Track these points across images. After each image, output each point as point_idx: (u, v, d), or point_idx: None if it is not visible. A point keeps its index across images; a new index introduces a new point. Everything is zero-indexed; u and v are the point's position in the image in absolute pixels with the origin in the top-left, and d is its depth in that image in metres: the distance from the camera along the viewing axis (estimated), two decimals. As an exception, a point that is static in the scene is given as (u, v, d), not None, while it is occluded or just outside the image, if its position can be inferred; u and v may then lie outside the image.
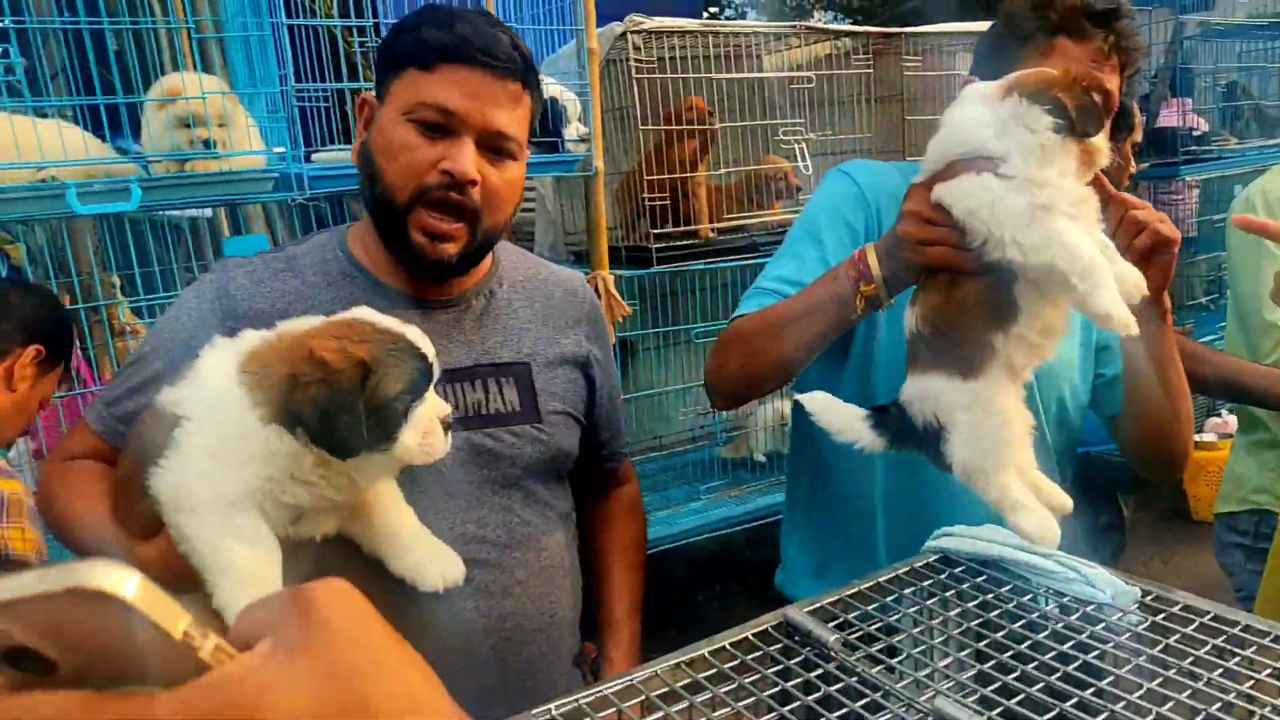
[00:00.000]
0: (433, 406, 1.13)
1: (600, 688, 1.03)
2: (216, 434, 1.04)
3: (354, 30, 2.70)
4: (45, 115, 2.36)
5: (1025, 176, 1.15)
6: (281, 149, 2.44)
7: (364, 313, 1.14)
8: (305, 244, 1.44)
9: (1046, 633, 1.02)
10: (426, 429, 1.12)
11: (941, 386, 1.23)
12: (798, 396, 1.40)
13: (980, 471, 1.22)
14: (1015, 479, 1.22)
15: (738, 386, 1.60)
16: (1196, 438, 4.40)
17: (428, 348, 1.14)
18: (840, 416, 1.34)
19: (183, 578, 1.07)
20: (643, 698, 1.01)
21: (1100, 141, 1.21)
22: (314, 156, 2.61)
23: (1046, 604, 1.09)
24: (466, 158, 1.28)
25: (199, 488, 1.04)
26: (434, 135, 1.28)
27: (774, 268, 1.64)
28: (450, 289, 1.42)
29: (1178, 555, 4.39)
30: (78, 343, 3.50)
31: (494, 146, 1.31)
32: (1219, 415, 4.33)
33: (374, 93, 1.36)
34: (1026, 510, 1.19)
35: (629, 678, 1.04)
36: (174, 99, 2.29)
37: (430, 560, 1.20)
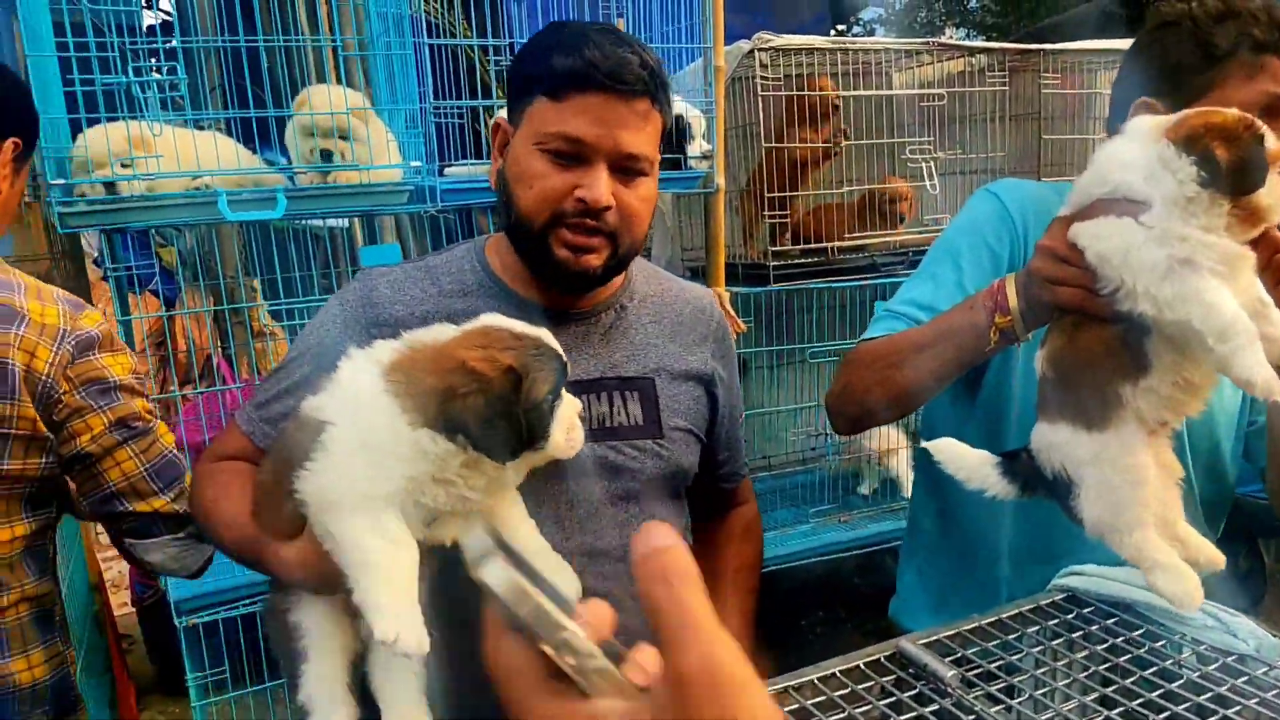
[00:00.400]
0: (570, 403, 1.18)
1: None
2: (362, 438, 1.08)
3: (489, 50, 2.78)
4: (202, 127, 2.53)
5: (1164, 229, 1.07)
6: (418, 163, 2.54)
7: (494, 319, 1.17)
8: (443, 255, 1.49)
9: (1181, 682, 0.97)
10: (569, 425, 1.16)
11: (1067, 437, 1.17)
12: (924, 444, 1.35)
13: (1112, 529, 1.15)
14: (1153, 536, 1.14)
15: (860, 411, 1.57)
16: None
17: (559, 348, 1.17)
18: (968, 463, 1.29)
19: (321, 578, 1.12)
20: None
21: (1267, 198, 1.09)
22: (446, 170, 2.71)
23: (1182, 652, 1.03)
24: (600, 185, 1.29)
25: (346, 487, 1.07)
26: (566, 163, 1.30)
27: (907, 290, 1.59)
28: (583, 301, 1.45)
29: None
30: (218, 341, 3.72)
31: (625, 168, 1.33)
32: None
33: (506, 115, 1.40)
34: (1165, 570, 1.12)
35: (736, 697, 1.04)
36: (311, 114, 2.42)
37: (550, 575, 1.20)
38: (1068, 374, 1.19)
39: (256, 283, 3.67)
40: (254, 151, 2.61)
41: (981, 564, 1.59)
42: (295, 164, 2.54)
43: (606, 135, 1.29)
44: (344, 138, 2.42)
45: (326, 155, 2.44)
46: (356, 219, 3.87)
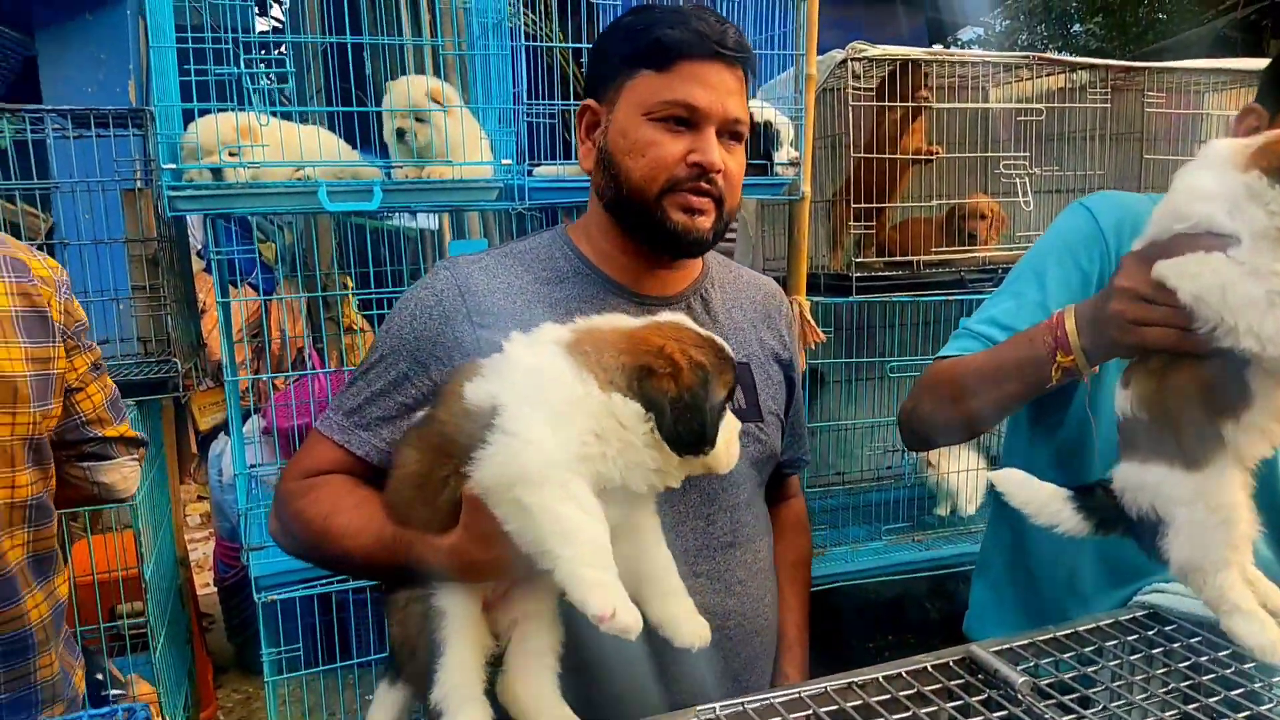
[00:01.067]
0: (731, 420, 1.16)
1: (767, 695, 1.03)
2: (547, 408, 1.06)
3: (581, 54, 2.83)
4: (308, 123, 2.63)
5: (1255, 263, 1.04)
6: (508, 161, 2.60)
7: (677, 318, 1.18)
8: (527, 242, 1.50)
9: (1267, 705, 0.92)
10: (730, 439, 1.15)
11: (1161, 477, 1.12)
12: (990, 475, 1.30)
13: (1198, 570, 1.10)
14: (1237, 579, 1.09)
15: (928, 432, 1.56)
16: None
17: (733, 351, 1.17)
18: (1038, 496, 1.24)
19: (474, 568, 1.13)
20: (809, 712, 0.99)
21: None
22: (535, 170, 2.76)
23: (1275, 676, 0.99)
24: (713, 148, 1.33)
25: (535, 457, 1.04)
26: (679, 130, 1.34)
27: (990, 305, 1.56)
28: (670, 286, 1.46)
29: None
30: (309, 332, 3.86)
31: (732, 133, 1.37)
32: None
33: (593, 99, 1.42)
34: (1246, 616, 1.07)
35: (797, 689, 1.03)
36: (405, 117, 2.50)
37: (688, 618, 1.18)
38: (1163, 415, 1.13)
39: (349, 280, 3.80)
40: (355, 149, 2.71)
41: (1056, 586, 1.54)
42: (393, 159, 2.62)
43: (717, 101, 1.33)
44: (420, 120, 2.49)
45: (400, 134, 2.50)
46: (446, 219, 3.97)
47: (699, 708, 1.02)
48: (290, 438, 3.11)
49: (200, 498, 5.79)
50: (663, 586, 1.18)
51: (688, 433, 1.08)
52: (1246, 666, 1.00)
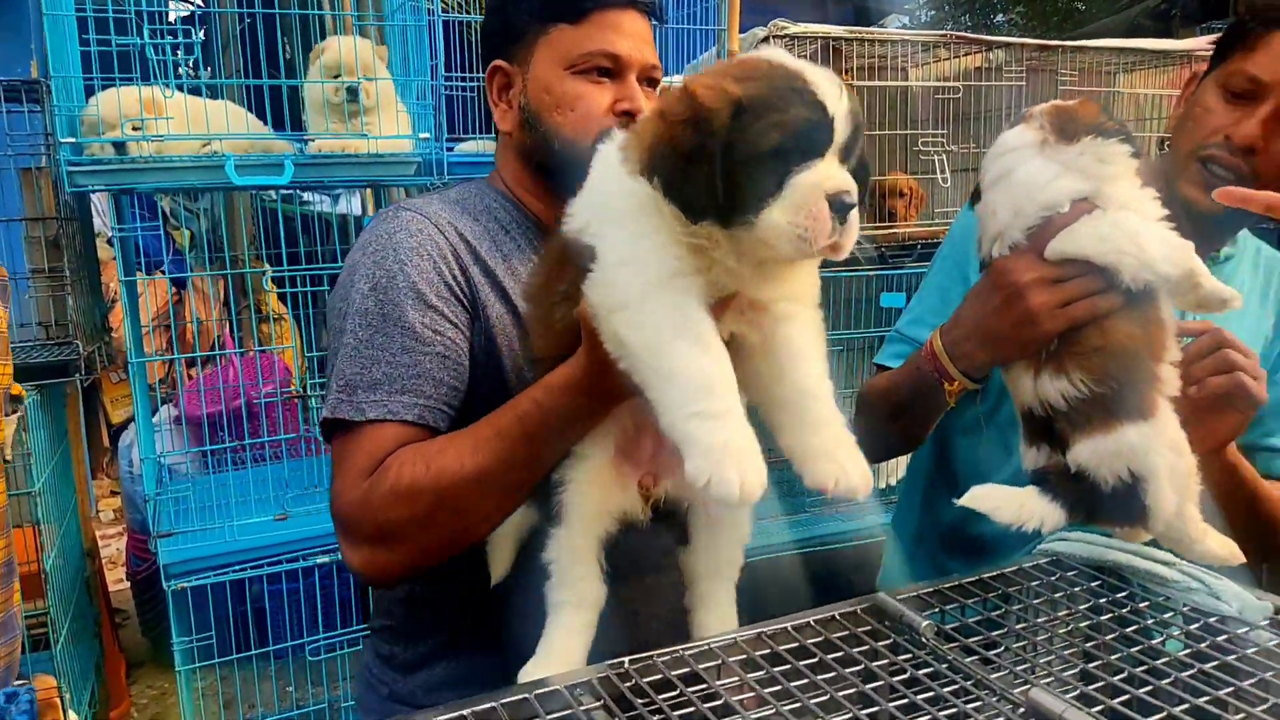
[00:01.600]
0: (823, 178, 0.88)
1: (677, 648, 1.01)
2: (624, 227, 0.95)
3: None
4: (217, 97, 2.54)
5: (1126, 203, 1.14)
6: (427, 135, 2.55)
7: (775, 52, 0.95)
8: (456, 192, 1.44)
9: (1159, 639, 0.94)
10: (807, 207, 0.87)
11: (1134, 436, 1.12)
12: (963, 501, 1.20)
13: (1179, 512, 1.13)
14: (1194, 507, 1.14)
15: (874, 454, 1.56)
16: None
17: (834, 99, 0.89)
18: (1010, 504, 1.18)
19: (598, 396, 1.05)
20: (719, 662, 0.98)
21: None
22: (456, 146, 2.71)
23: (1165, 614, 1.01)
24: (639, 95, 1.33)
25: (625, 277, 0.92)
26: (601, 80, 1.33)
27: (913, 304, 1.62)
28: None
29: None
30: (227, 317, 3.74)
31: (650, 79, 1.37)
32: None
33: (502, 59, 1.39)
34: (1215, 536, 1.13)
35: (706, 641, 1.02)
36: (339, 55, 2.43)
37: (822, 456, 0.95)
38: (1109, 377, 1.14)
39: (267, 266, 3.69)
40: (265, 125, 2.62)
41: (964, 544, 1.56)
42: (312, 122, 2.54)
43: (636, 48, 1.33)
44: (368, 79, 2.43)
45: (352, 93, 2.43)
46: (371, 202, 3.89)
47: (610, 661, 1.00)
48: (202, 427, 3.01)
49: (114, 493, 5.59)
50: (801, 415, 0.97)
51: (698, 189, 0.87)
52: (1141, 606, 1.02)
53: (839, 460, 0.93)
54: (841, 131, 0.89)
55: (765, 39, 2.89)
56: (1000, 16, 9.99)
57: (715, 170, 0.87)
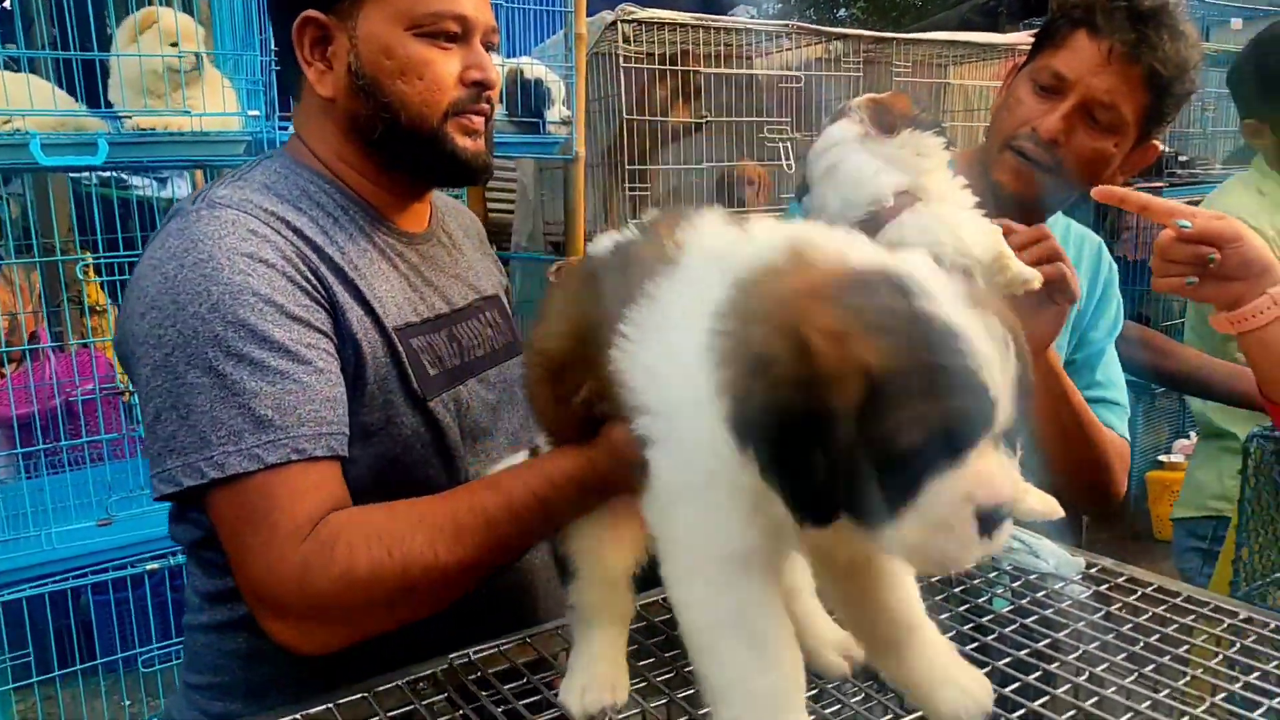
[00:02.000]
0: (974, 485, 0.64)
1: (523, 632, 1.00)
2: (692, 466, 0.75)
3: None
4: (15, 68, 2.32)
5: (944, 196, 1.20)
6: (256, 113, 2.41)
7: (914, 263, 0.72)
8: (258, 173, 1.22)
9: (985, 598, 0.99)
10: (949, 526, 0.64)
11: None
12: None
13: None
14: None
15: None
16: (1164, 458, 4.38)
17: (998, 367, 0.65)
18: None
19: (619, 488, 0.91)
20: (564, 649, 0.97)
21: None
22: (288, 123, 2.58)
23: (991, 573, 1.06)
24: (489, 63, 1.23)
25: (680, 535, 0.77)
26: (448, 46, 1.20)
27: None
28: (424, 219, 1.35)
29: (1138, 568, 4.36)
30: (43, 308, 3.46)
31: (489, 44, 1.26)
32: (1187, 437, 4.32)
33: (317, 9, 1.19)
34: (1033, 491, 1.13)
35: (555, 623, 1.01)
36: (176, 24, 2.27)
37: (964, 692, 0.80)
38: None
39: (88, 255, 3.43)
40: (77, 100, 2.42)
41: None
42: (128, 99, 2.35)
43: (480, 9, 1.22)
44: (173, 67, 2.27)
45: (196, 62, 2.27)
46: (201, 182, 3.66)
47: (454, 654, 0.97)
48: (14, 429, 2.78)
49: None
50: (903, 638, 0.82)
51: (813, 493, 0.66)
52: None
53: (961, 684, 0.80)
54: (1004, 411, 0.65)
55: (613, 23, 2.89)
56: (842, 10, 10.41)
57: (835, 462, 0.64)
